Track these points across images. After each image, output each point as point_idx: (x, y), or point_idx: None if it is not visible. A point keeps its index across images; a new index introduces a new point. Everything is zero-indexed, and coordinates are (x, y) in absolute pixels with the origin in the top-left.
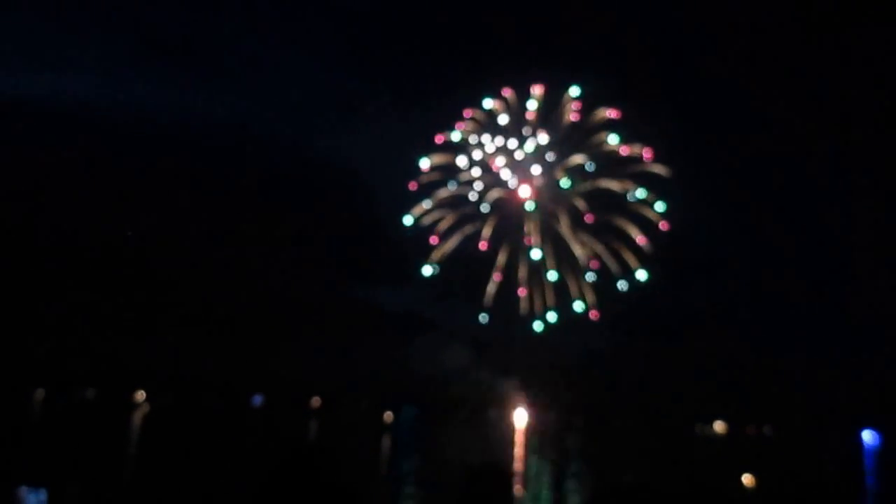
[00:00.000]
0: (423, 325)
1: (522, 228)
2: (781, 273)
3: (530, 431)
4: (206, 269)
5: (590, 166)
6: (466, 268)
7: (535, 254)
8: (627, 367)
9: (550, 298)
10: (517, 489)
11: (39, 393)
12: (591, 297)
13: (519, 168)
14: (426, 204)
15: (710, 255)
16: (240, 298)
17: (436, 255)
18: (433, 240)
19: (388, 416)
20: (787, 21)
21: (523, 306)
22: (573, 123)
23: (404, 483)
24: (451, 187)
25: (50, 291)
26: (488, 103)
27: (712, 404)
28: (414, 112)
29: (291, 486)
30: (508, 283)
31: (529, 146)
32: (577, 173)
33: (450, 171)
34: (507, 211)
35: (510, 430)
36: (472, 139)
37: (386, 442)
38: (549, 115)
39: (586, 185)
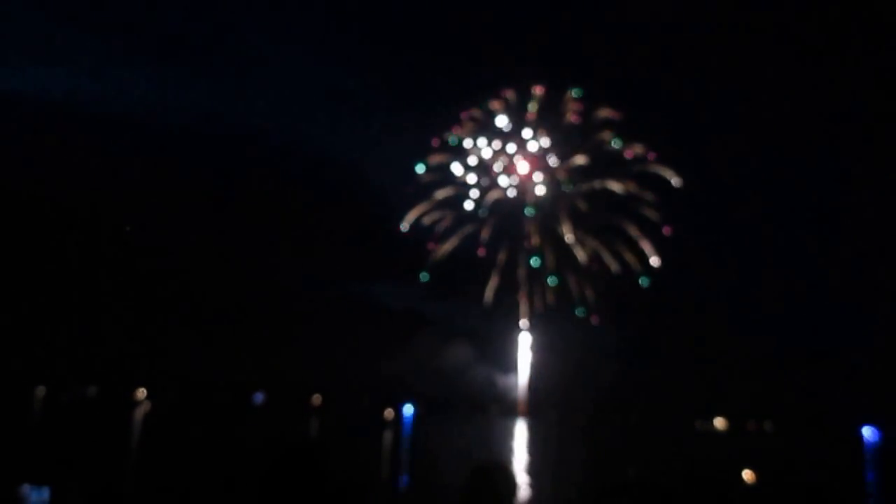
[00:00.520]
0: (424, 323)
1: (522, 230)
2: (782, 271)
3: (531, 429)
4: (207, 267)
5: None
6: (466, 268)
7: (535, 261)
8: (628, 364)
9: (551, 300)
10: (520, 487)
11: (40, 391)
12: (591, 297)
13: (519, 169)
14: (426, 204)
15: (711, 255)
16: (240, 296)
17: (435, 255)
18: (430, 245)
19: (389, 413)
20: (788, 22)
21: (522, 308)
22: (574, 124)
23: (405, 481)
24: (450, 189)
25: (50, 290)
26: (491, 104)
27: (713, 401)
28: (415, 111)
29: (292, 483)
30: (508, 284)
31: (530, 148)
32: (577, 174)
33: (449, 172)
34: (507, 213)
35: (511, 427)
36: (469, 143)
37: (387, 439)
38: (550, 116)
39: (587, 186)
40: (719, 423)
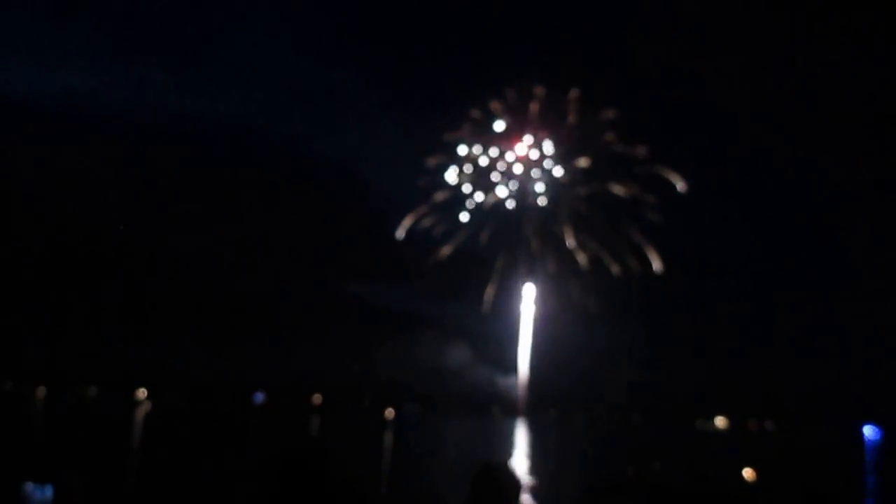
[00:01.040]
0: (423, 324)
1: (522, 231)
2: (783, 270)
3: (533, 427)
4: (207, 268)
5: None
6: (465, 270)
7: (535, 248)
8: (629, 364)
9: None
10: (523, 487)
11: (41, 391)
12: (592, 297)
13: (519, 171)
14: (424, 207)
15: (713, 254)
16: (241, 296)
17: (434, 257)
18: (429, 247)
19: (390, 412)
20: (790, 24)
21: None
22: (575, 126)
23: (406, 481)
24: (448, 191)
25: (50, 290)
26: (491, 105)
27: (714, 400)
28: (414, 112)
29: (293, 483)
30: (508, 285)
31: (530, 150)
32: (578, 176)
33: (448, 174)
34: (505, 219)
35: (512, 426)
36: (464, 150)
37: (388, 439)
38: (551, 117)
39: (588, 188)
40: (720, 422)
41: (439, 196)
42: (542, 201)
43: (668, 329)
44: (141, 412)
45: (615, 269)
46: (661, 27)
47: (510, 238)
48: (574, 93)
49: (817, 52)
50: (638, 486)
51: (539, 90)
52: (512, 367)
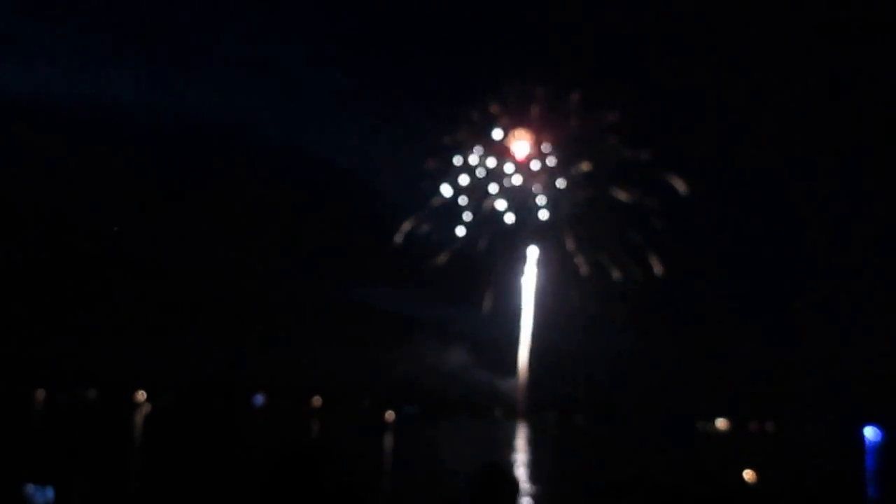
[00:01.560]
0: (423, 327)
1: (522, 232)
2: (783, 270)
3: (533, 429)
4: (207, 269)
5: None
6: (465, 272)
7: (534, 252)
8: (630, 365)
9: (551, 302)
10: (522, 488)
11: (40, 393)
12: (592, 301)
13: (518, 182)
14: (423, 212)
15: (714, 258)
16: (241, 298)
17: (434, 261)
18: (428, 252)
19: (390, 415)
20: (794, 28)
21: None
22: (576, 130)
23: (406, 482)
24: (448, 193)
25: (50, 291)
26: (491, 108)
27: (715, 401)
28: (414, 114)
29: (293, 485)
30: (507, 288)
31: (530, 152)
32: (579, 180)
33: (449, 176)
34: (505, 227)
35: (512, 428)
36: (459, 160)
37: (388, 441)
38: (552, 120)
39: (589, 192)
40: (721, 423)
41: (437, 202)
42: (542, 214)
43: (668, 332)
44: (141, 414)
45: (616, 273)
46: (663, 30)
47: (509, 244)
48: (575, 96)
49: (822, 57)
50: (638, 487)
51: (539, 93)
52: (511, 370)
